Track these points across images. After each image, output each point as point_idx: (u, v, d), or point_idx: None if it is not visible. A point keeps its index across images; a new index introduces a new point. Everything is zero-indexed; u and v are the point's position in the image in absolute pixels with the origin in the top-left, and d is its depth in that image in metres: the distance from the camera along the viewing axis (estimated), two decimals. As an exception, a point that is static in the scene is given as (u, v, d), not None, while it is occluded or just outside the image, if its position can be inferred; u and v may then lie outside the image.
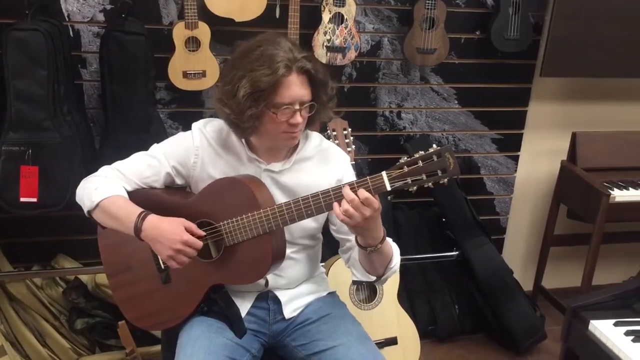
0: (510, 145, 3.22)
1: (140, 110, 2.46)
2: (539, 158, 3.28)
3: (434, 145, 1.54)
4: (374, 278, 1.78)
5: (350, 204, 1.53)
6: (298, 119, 1.66)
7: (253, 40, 1.69)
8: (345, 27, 2.65)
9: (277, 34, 1.72)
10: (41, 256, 2.71)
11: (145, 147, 1.86)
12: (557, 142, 3.22)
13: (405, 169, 1.52)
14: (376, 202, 1.54)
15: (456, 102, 3.06)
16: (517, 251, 3.43)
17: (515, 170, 3.27)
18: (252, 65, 1.61)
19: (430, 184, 1.52)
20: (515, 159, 3.25)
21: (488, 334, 3.11)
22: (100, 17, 2.53)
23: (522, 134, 3.21)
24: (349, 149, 2.52)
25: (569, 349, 2.08)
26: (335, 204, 1.56)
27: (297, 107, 1.65)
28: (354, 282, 1.84)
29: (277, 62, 1.60)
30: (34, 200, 2.28)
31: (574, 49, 2.97)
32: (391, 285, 2.54)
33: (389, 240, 1.71)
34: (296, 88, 1.63)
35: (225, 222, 1.69)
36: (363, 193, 1.53)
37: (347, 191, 1.54)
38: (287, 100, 1.63)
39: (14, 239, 2.66)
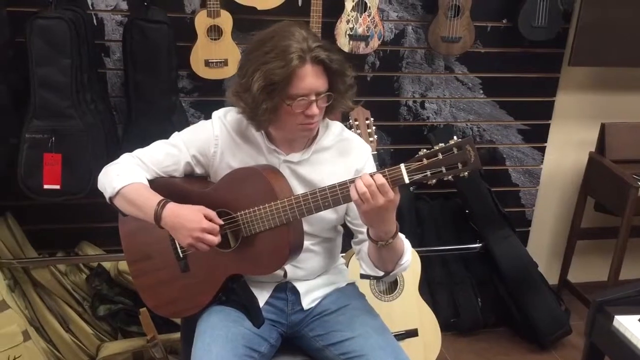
0: (537, 136, 3.15)
1: (163, 99, 2.47)
2: (566, 149, 3.22)
3: (455, 137, 1.50)
4: (381, 273, 1.75)
5: (368, 189, 1.50)
6: (314, 110, 1.63)
7: (266, 31, 1.66)
8: (369, 16, 2.62)
9: (292, 23, 1.67)
10: (65, 243, 2.74)
11: (168, 136, 1.86)
12: (585, 133, 3.15)
13: (425, 161, 1.48)
14: (391, 192, 1.50)
15: (481, 91, 3.01)
16: (542, 244, 3.37)
17: (542, 162, 3.21)
18: (265, 58, 1.59)
19: (450, 177, 1.49)
20: (542, 150, 3.19)
21: (511, 327, 3.07)
22: (124, 5, 2.54)
23: (549, 124, 3.15)
24: (370, 139, 2.49)
25: (592, 343, 2.04)
26: (352, 186, 1.53)
27: (312, 98, 1.61)
28: (362, 276, 1.82)
29: (289, 54, 1.56)
30: (57, 187, 2.30)
31: (604, 37, 2.89)
32: (412, 277, 2.52)
33: (401, 236, 1.68)
34: (311, 79, 1.60)
35: (242, 212, 1.69)
36: (380, 178, 1.50)
37: (365, 177, 1.51)
38: (302, 91, 1.60)
39: (38, 225, 2.69)
